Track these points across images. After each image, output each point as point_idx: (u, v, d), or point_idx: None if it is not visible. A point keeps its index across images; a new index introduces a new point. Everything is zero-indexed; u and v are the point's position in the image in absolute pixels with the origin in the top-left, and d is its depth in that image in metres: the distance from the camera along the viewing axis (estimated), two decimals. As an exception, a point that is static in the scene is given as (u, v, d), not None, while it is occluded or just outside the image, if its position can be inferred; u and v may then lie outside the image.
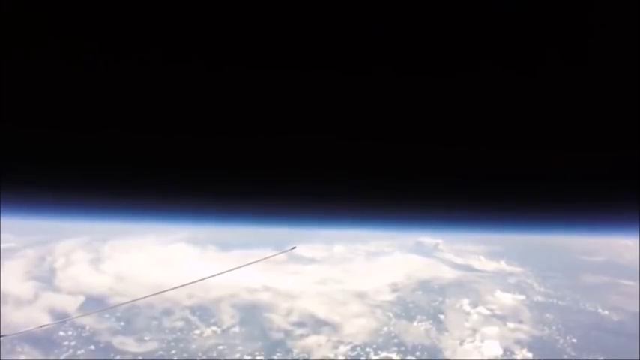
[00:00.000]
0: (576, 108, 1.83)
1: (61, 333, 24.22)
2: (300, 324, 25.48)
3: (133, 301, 26.38)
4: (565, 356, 25.16)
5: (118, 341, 23.80)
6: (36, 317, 24.34)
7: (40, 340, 23.50)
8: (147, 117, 1.99)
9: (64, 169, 2.40)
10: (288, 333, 24.75)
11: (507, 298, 29.24)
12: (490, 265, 32.18)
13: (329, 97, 1.87)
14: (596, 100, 1.78)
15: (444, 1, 1.46)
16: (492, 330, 27.07)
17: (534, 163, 2.28)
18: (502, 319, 27.69)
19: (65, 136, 2.14)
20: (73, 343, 23.78)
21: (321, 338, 24.54)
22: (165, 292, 27.29)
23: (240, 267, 4.57)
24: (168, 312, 25.30)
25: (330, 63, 1.68)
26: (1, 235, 29.47)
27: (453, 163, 2.33)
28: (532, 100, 1.81)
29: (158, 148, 2.25)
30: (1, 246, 28.74)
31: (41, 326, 23.44)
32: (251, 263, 4.80)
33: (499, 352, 25.80)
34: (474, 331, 26.66)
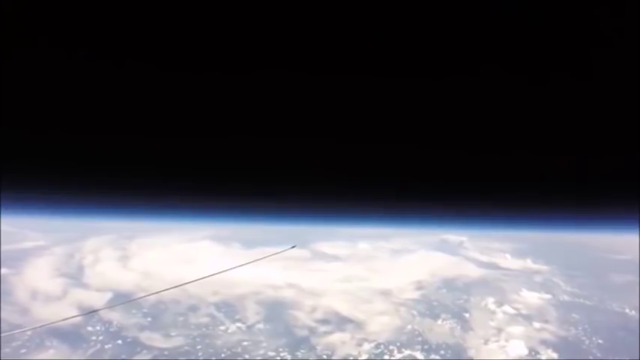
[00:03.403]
0: (577, 110, 1.82)
1: (89, 328, 24.76)
2: (324, 321, 25.53)
3: (131, 301, 26.77)
4: (591, 357, 24.46)
5: (144, 337, 24.22)
6: (64, 313, 24.95)
7: (69, 334, 24.05)
8: (167, 119, 2.01)
9: (91, 170, 2.46)
10: (312, 330, 24.82)
11: (533, 298, 28.65)
12: (516, 264, 31.60)
13: (347, 100, 1.87)
14: (597, 102, 1.77)
15: (443, 6, 1.44)
16: (518, 330, 26.56)
17: (536, 163, 2.28)
18: (528, 318, 27.14)
19: (91, 139, 2.19)
20: (100, 338, 24.27)
21: (345, 336, 24.53)
22: (191, 290, 27.57)
23: (240, 266, 4.57)
24: (194, 308, 25.69)
25: (343, 68, 1.68)
26: (31, 234, 30.61)
27: (462, 165, 2.35)
28: (537, 103, 1.80)
29: (180, 149, 2.29)
30: (30, 244, 29.71)
31: (40, 326, 23.84)
32: (251, 263, 4.76)
33: (524, 352, 25.28)
34: (499, 330, 26.20)
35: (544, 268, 31.07)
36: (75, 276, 27.63)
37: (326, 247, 30.52)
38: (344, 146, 2.22)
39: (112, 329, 24.71)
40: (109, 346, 23.84)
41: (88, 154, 2.28)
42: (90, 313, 27.31)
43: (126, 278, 26.85)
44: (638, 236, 3.33)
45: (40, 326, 23.52)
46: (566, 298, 28.88)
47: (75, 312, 25.20)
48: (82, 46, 1.58)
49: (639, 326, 23.97)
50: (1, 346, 21.82)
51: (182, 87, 1.79)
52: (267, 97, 1.86)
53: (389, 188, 2.66)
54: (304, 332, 24.82)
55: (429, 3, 1.44)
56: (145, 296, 28.73)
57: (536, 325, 26.67)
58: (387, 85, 1.78)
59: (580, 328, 26.17)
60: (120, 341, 24.17)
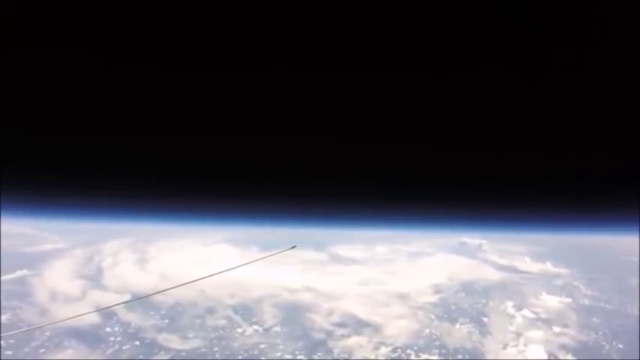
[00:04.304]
0: (578, 110, 1.80)
1: (108, 329, 25.09)
2: (341, 324, 25.43)
3: (129, 301, 27.04)
4: (611, 363, 23.95)
5: (162, 338, 24.47)
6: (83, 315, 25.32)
7: (87, 335, 24.41)
8: (179, 122, 1.99)
9: (109, 174, 2.44)
10: (329, 333, 24.77)
11: (553, 301, 28.11)
12: (535, 267, 31.04)
13: (355, 100, 1.84)
14: (597, 102, 1.76)
15: (443, 6, 1.42)
16: (537, 334, 26.10)
17: (536, 163, 2.26)
18: (547, 322, 26.65)
19: (112, 142, 2.19)
20: (119, 339, 24.58)
21: (362, 339, 24.41)
22: (208, 292, 27.72)
23: (240, 266, 4.50)
24: (211, 310, 25.88)
25: (346, 68, 1.65)
26: (51, 236, 31.22)
27: (462, 165, 2.35)
28: (536, 103, 1.79)
29: (193, 151, 2.31)
30: (50, 247, 30.29)
31: (38, 327, 24.14)
32: (250, 263, 4.73)
33: (543, 357, 24.84)
34: (518, 335, 25.77)
35: (564, 271, 30.46)
36: (94, 278, 28.06)
37: (343, 250, 30.47)
38: (356, 147, 2.21)
39: (130, 330, 25.01)
40: (127, 346, 24.14)
41: (104, 157, 2.28)
42: (85, 314, 27.73)
43: (144, 280, 27.20)
44: (638, 236, 3.30)
45: (41, 326, 23.85)
46: (586, 301, 28.28)
47: (93, 314, 25.59)
48: (83, 47, 1.57)
49: (639, 325, 23.49)
50: (21, 346, 22.35)
51: (194, 89, 1.77)
52: (282, 99, 1.84)
53: (403, 189, 2.67)
54: (321, 335, 24.76)
55: (429, 3, 1.43)
56: (144, 297, 29.05)
57: (556, 329, 26.18)
58: (399, 85, 1.75)
59: (600, 332, 25.61)
60: (138, 342, 24.45)
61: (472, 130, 2.02)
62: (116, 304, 28.18)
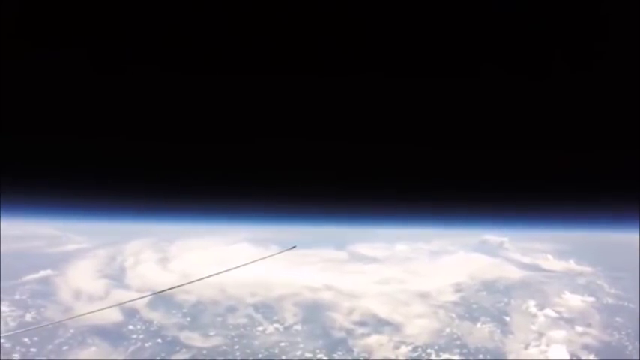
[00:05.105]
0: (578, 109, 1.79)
1: (130, 327, 25.59)
2: (361, 323, 25.44)
3: (126, 302, 27.45)
4: (633, 363, 23.45)
5: (184, 336, 24.85)
6: (106, 313, 25.88)
7: (110, 333, 24.94)
8: (189, 123, 2.01)
9: (126, 176, 2.48)
10: (349, 332, 24.80)
11: (576, 300, 27.58)
12: (558, 265, 30.47)
13: (365, 102, 1.84)
14: (598, 101, 1.75)
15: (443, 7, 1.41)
16: (559, 334, 25.66)
17: (536, 163, 2.24)
18: (570, 322, 26.18)
19: (136, 146, 2.23)
20: (141, 336, 25.05)
21: (383, 338, 24.38)
22: (229, 291, 27.94)
23: (241, 266, 4.52)
24: (232, 309, 26.19)
25: (350, 68, 1.65)
26: (75, 237, 31.98)
27: (462, 165, 2.33)
28: (537, 103, 1.79)
29: (209, 153, 2.31)
30: (74, 247, 31.03)
31: (41, 326, 24.65)
32: (250, 263, 4.74)
33: (565, 357, 24.42)
34: (540, 334, 25.39)
35: (587, 269, 29.82)
36: (117, 277, 28.64)
37: (364, 249, 30.41)
38: (376, 148, 2.23)
39: (152, 328, 25.48)
40: (149, 344, 24.59)
41: (121, 160, 2.34)
42: (85, 314, 28.29)
43: (166, 279, 27.66)
44: (638, 236, 3.30)
45: (41, 326, 24.38)
46: (609, 300, 27.67)
47: (116, 312, 26.13)
48: (83, 48, 1.58)
49: (639, 324, 23.17)
50: (45, 343, 22.97)
51: (214, 91, 1.79)
52: (302, 102, 1.85)
53: (422, 188, 2.68)
54: (341, 334, 24.81)
55: (429, 4, 1.43)
56: (145, 296, 29.52)
57: (579, 329, 25.70)
58: (415, 85, 1.76)
59: (623, 332, 25.08)
60: (159, 340, 24.88)
61: (474, 130, 2.06)
62: (124, 302, 28.67)
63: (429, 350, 23.81)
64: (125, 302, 28.09)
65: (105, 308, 29.62)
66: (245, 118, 1.98)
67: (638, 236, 3.64)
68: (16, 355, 22.33)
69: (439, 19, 1.46)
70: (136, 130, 2.08)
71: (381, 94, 1.80)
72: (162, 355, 23.88)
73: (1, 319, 23.87)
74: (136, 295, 27.52)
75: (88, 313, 27.21)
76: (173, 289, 28.05)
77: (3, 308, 24.64)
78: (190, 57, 1.63)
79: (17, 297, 25.87)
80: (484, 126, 2.00)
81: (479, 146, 2.16)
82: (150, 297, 26.73)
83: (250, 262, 4.71)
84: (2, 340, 22.23)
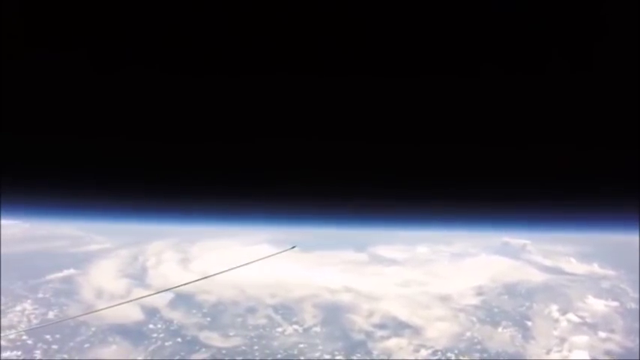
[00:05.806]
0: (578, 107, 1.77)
1: (151, 326, 25.97)
2: (381, 326, 25.34)
3: (125, 302, 27.63)
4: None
5: (204, 336, 25.13)
6: (128, 312, 26.32)
7: (131, 332, 25.35)
8: (189, 122, 2.00)
9: (153, 175, 2.48)
10: (369, 334, 24.73)
11: (599, 305, 26.91)
12: (581, 268, 29.78)
13: (375, 102, 1.84)
14: (598, 100, 1.72)
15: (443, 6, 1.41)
16: (582, 339, 25.08)
17: (536, 162, 2.21)
18: (593, 327, 25.56)
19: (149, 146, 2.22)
20: (161, 335, 25.40)
21: (402, 341, 24.22)
22: (249, 292, 28.08)
23: (240, 266, 4.54)
24: (252, 310, 26.38)
25: (352, 69, 1.65)
26: (97, 237, 32.69)
27: (461, 164, 2.29)
28: (536, 103, 1.77)
29: (230, 155, 2.29)
30: (96, 247, 31.70)
31: (41, 326, 24.97)
32: (250, 263, 4.73)
33: (588, 363, 23.88)
34: (562, 340, 24.85)
35: (611, 272, 29.05)
36: (138, 277, 29.15)
37: (384, 251, 30.29)
38: (393, 148, 2.20)
39: (172, 327, 25.82)
40: (169, 343, 24.91)
41: (133, 161, 2.38)
42: (86, 314, 28.49)
43: (186, 279, 28.02)
44: (638, 236, 3.21)
45: (41, 326, 24.73)
46: (633, 305, 26.93)
47: (137, 311, 26.57)
48: (84, 48, 1.59)
49: (639, 324, 22.74)
50: (67, 341, 23.49)
51: (208, 92, 1.79)
52: (316, 103, 1.85)
53: (442, 189, 2.64)
54: (361, 336, 24.75)
55: (429, 4, 1.43)
56: (146, 296, 29.81)
57: (602, 334, 25.08)
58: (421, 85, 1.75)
59: (648, 339, 24.39)
60: (179, 339, 25.19)
61: (474, 130, 2.05)
62: (135, 299, 28.98)
63: (449, 354, 23.56)
64: (135, 299, 28.36)
65: (116, 305, 30.02)
66: (245, 118, 2.00)
67: (638, 236, 3.60)
68: (38, 353, 22.88)
69: (439, 19, 1.48)
70: (136, 130, 2.10)
71: (381, 94, 1.81)
72: (182, 354, 24.17)
73: (25, 317, 24.56)
74: (157, 295, 27.91)
75: (101, 309, 27.61)
76: (177, 288, 28.17)
77: (26, 306, 25.33)
78: (190, 57, 1.65)
79: (40, 295, 26.54)
80: (484, 126, 2.01)
81: (478, 146, 2.16)
82: (169, 299, 27.06)
83: (250, 262, 4.74)
84: (24, 337, 22.88)
